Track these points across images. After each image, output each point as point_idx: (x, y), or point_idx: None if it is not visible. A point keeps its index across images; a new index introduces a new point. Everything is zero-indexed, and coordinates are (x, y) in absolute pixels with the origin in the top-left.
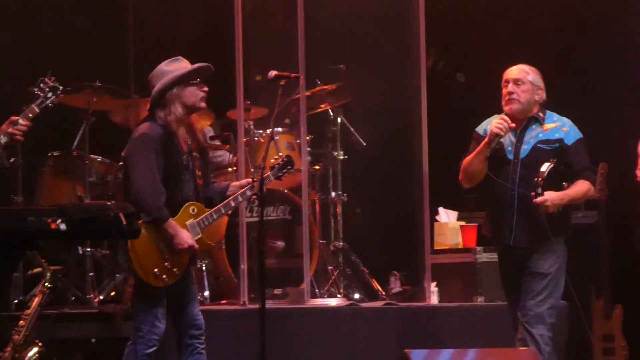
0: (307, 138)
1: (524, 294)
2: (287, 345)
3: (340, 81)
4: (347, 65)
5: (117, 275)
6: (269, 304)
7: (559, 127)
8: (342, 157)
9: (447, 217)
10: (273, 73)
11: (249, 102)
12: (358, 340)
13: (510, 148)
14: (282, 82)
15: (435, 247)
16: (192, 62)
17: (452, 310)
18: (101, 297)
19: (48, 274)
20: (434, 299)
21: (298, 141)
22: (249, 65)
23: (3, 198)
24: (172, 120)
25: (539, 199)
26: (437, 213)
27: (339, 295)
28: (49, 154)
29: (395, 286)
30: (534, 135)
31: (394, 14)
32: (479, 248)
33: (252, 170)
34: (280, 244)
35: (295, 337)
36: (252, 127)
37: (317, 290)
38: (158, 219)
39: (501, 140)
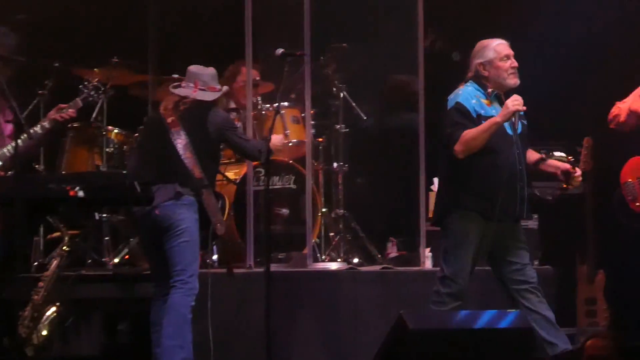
0: (312, 112)
1: (516, 264)
2: (290, 306)
3: (343, 59)
4: (349, 44)
5: (132, 239)
6: (274, 267)
7: None
8: (344, 130)
9: None
10: (280, 50)
11: (257, 79)
12: (357, 302)
13: (507, 124)
14: (288, 60)
15: (431, 215)
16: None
17: None
18: (116, 260)
19: (66, 238)
20: (428, 264)
21: (303, 115)
22: (258, 42)
23: (26, 167)
24: None
25: (578, 171)
26: (432, 183)
27: (339, 260)
28: (69, 125)
29: (393, 251)
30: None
31: None
32: None
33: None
34: (285, 211)
35: (298, 298)
36: (259, 101)
37: (319, 255)
38: None
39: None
